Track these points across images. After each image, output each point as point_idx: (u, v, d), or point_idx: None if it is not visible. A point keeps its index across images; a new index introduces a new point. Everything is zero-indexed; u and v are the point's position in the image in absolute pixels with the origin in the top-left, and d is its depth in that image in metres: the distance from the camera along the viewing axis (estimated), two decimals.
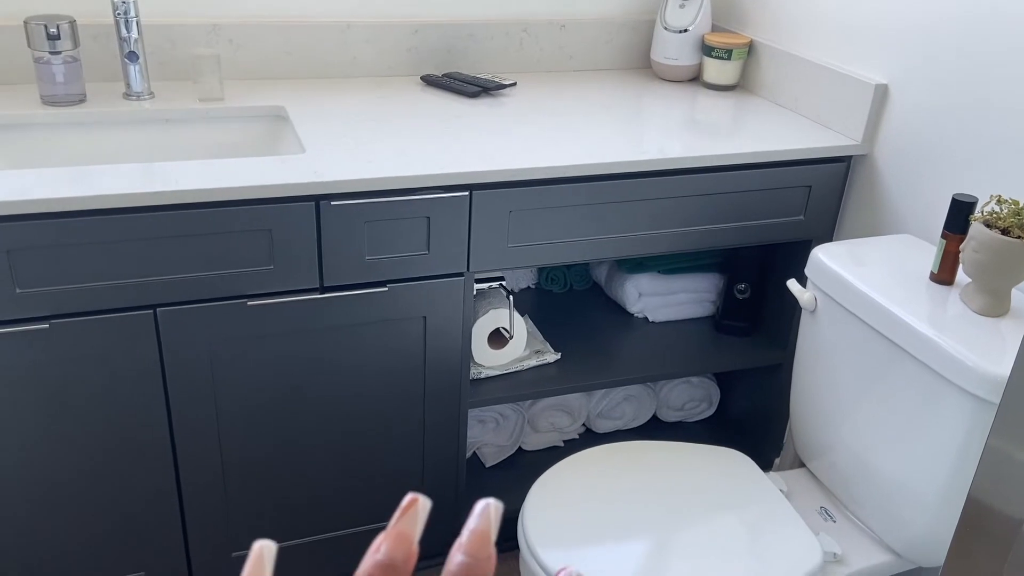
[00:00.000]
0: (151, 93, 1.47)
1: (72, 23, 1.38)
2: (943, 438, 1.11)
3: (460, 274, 1.36)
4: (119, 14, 1.39)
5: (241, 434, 1.35)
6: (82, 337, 1.19)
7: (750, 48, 1.74)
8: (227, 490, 1.38)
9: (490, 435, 1.74)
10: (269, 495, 1.42)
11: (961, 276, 1.23)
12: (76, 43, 1.40)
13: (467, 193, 1.30)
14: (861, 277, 1.23)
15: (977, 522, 0.72)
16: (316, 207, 1.23)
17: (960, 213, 1.17)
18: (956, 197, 1.17)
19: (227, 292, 1.23)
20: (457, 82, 1.65)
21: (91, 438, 1.26)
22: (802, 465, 1.51)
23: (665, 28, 1.77)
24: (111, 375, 1.23)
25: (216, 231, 1.19)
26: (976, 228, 1.11)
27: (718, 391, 1.92)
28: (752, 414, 1.83)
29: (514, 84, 1.67)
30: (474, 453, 1.77)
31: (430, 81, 1.68)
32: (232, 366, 1.29)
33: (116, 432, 1.27)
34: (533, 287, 1.89)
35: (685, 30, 1.75)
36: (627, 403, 1.84)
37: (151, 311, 1.21)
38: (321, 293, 1.29)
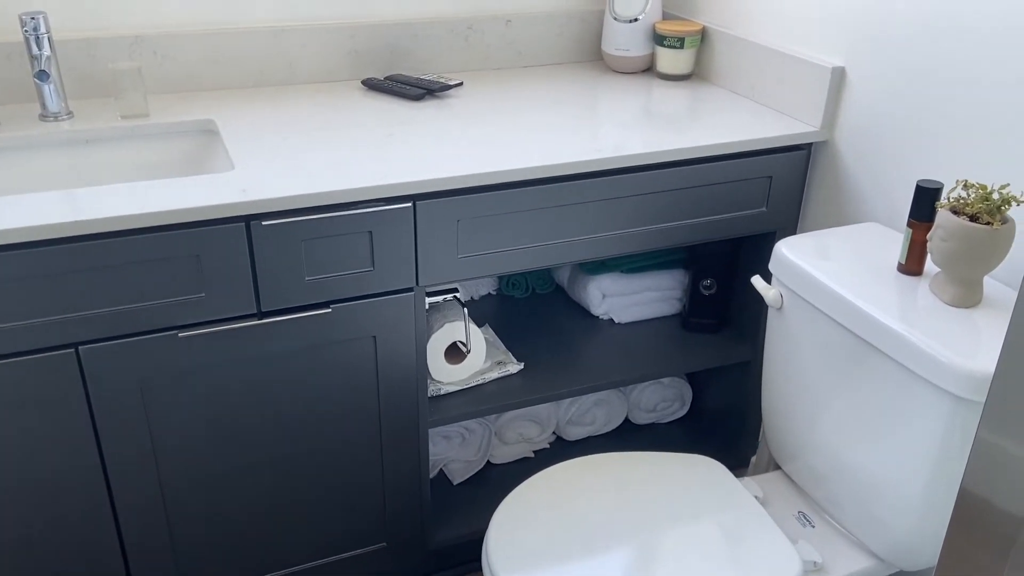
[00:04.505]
0: (70, 112, 1.38)
1: None
2: (920, 436, 1.05)
3: (409, 289, 1.29)
4: (28, 31, 1.30)
5: (183, 475, 1.27)
6: None
7: (703, 35, 1.68)
8: (173, 533, 1.30)
9: (456, 451, 1.67)
10: (220, 534, 1.34)
11: (930, 266, 1.18)
12: None
13: (410, 204, 1.22)
14: (826, 271, 1.18)
15: (972, 521, 0.66)
16: (247, 228, 1.15)
17: (925, 200, 1.11)
18: (920, 183, 1.12)
19: (155, 324, 1.15)
20: (400, 85, 1.58)
21: (17, 491, 1.18)
22: (778, 466, 1.46)
23: (615, 18, 1.70)
24: (34, 422, 1.14)
25: (139, 260, 1.10)
26: (943, 215, 1.06)
27: (690, 390, 1.86)
28: (726, 412, 1.78)
29: (460, 84, 1.60)
30: (440, 471, 1.70)
31: (371, 85, 1.60)
32: (167, 402, 1.21)
33: (45, 482, 1.18)
34: (494, 293, 1.82)
35: (635, 19, 1.69)
36: (597, 408, 1.78)
37: (72, 350, 1.12)
38: (259, 319, 1.21)
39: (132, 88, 1.37)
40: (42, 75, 1.32)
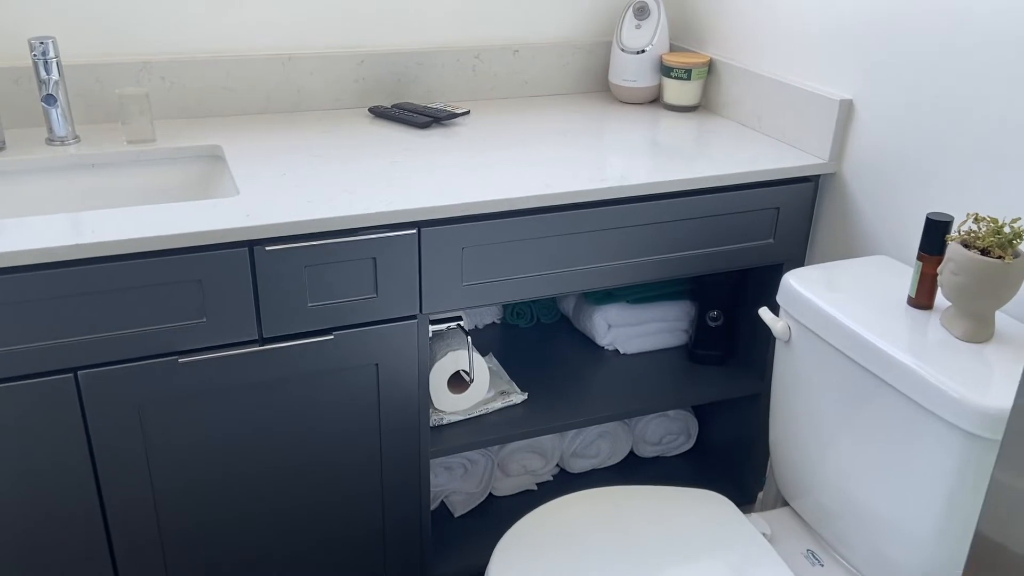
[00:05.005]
0: (76, 137, 1.38)
1: None
2: (931, 474, 1.03)
3: (412, 317, 1.27)
4: (37, 55, 1.30)
5: (180, 504, 1.25)
6: None
7: (710, 67, 1.68)
8: (167, 561, 1.27)
9: (458, 482, 1.65)
10: (217, 564, 1.31)
11: (941, 300, 1.16)
12: None
13: (415, 231, 1.22)
14: (835, 303, 1.16)
15: (987, 565, 0.64)
16: (250, 253, 1.14)
17: (935, 233, 1.10)
18: (930, 216, 1.10)
19: (156, 350, 1.13)
20: (407, 113, 1.58)
21: (12, 518, 1.16)
22: (786, 502, 1.43)
23: (622, 50, 1.70)
24: (30, 448, 1.13)
25: (140, 284, 1.09)
26: (953, 249, 1.04)
27: (696, 423, 1.83)
28: (733, 446, 1.75)
29: (467, 112, 1.60)
30: (442, 502, 1.68)
31: (378, 113, 1.60)
32: (166, 429, 1.19)
33: (40, 510, 1.16)
34: (498, 322, 1.80)
35: (642, 51, 1.69)
36: (602, 440, 1.76)
37: (71, 374, 1.11)
38: (261, 345, 1.19)
39: (139, 113, 1.37)
40: (50, 99, 1.32)
